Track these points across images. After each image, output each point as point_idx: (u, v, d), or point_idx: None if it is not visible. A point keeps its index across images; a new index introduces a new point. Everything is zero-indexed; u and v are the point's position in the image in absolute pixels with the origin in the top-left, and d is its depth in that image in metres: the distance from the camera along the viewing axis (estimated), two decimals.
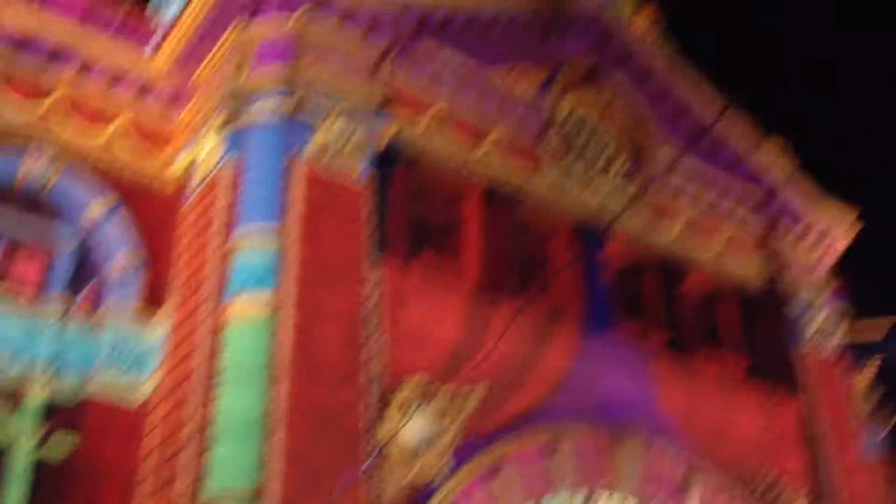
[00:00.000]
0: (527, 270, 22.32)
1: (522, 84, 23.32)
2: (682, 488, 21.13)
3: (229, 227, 17.98)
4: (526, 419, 19.69)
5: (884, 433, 26.99)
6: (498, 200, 21.87)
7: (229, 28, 20.16)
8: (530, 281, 22.20)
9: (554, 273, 22.29)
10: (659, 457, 21.08)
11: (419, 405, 17.85)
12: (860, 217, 27.90)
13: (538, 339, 20.65)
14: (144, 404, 17.43)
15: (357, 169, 19.20)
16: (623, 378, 21.55)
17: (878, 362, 28.01)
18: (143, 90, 21.10)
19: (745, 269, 25.78)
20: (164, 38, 21.34)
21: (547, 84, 23.63)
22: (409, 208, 20.49)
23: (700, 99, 26.15)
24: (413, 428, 17.87)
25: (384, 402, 17.47)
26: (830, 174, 28.57)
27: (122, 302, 18.23)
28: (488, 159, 21.85)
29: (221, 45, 20.38)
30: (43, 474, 16.41)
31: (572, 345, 21.18)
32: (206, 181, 19.07)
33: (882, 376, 28.21)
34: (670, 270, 24.36)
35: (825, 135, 60.64)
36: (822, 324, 25.91)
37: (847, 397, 25.29)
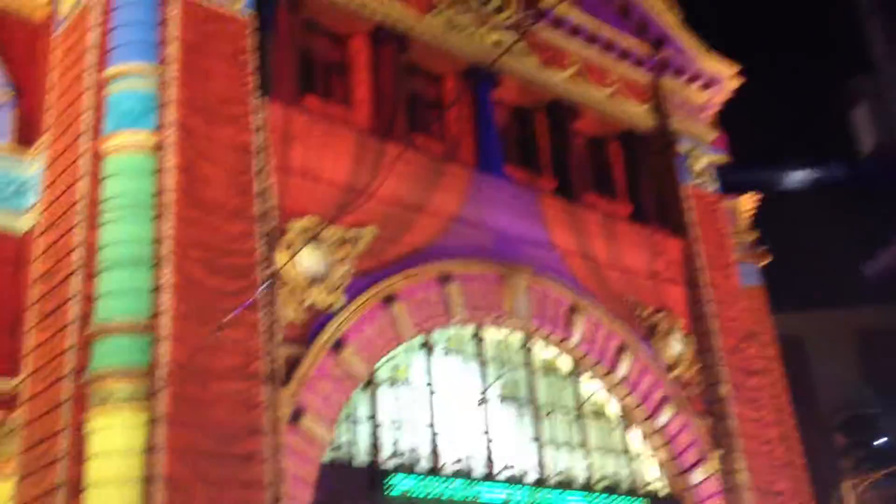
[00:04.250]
0: (417, 112, 22.26)
1: None
2: (568, 321, 21.99)
3: (103, 62, 17.19)
4: (417, 256, 19.98)
5: (758, 267, 28.47)
6: (387, 41, 21.53)
7: None
8: (421, 122, 22.20)
9: (444, 109, 22.26)
10: (546, 292, 21.80)
11: (309, 242, 17.88)
12: (741, 73, 28.64)
13: (429, 180, 20.73)
14: (28, 234, 16.92)
15: (239, 2, 18.49)
16: (513, 217, 21.94)
17: (756, 200, 29.23)
18: None
19: (634, 112, 26.31)
20: None
21: None
22: (295, 46, 19.95)
23: None
24: (305, 263, 17.95)
25: (274, 239, 17.44)
26: (712, 30, 29.14)
27: None
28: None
29: None
30: None
31: (463, 185, 21.34)
32: (77, 9, 18.04)
33: (760, 213, 29.56)
34: (561, 112, 24.66)
35: None
36: (704, 167, 26.83)
37: (726, 235, 26.44)
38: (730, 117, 30.22)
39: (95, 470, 14.37)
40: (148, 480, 14.21)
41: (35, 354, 16.00)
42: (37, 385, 15.69)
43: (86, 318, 15.31)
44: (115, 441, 14.47)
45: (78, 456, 14.50)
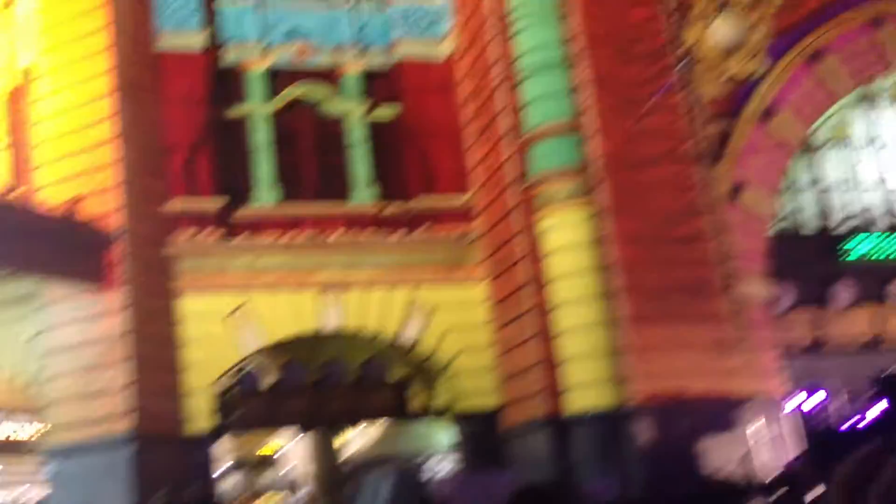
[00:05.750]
0: None
1: None
2: None
3: None
4: (842, 1, 17.97)
5: None
6: None
7: None
8: None
9: None
10: None
11: (721, 8, 16.85)
12: None
13: None
14: (449, 59, 18.05)
15: None
16: None
17: None
18: None
19: None
20: None
21: None
22: None
23: None
24: (718, 34, 17.00)
25: (683, 13, 16.69)
26: None
27: None
28: None
29: None
30: (378, 136, 17.95)
31: None
32: None
33: None
34: None
35: None
36: None
37: None
38: None
39: (553, 265, 15.41)
40: (602, 269, 14.94)
41: (479, 169, 17.26)
42: (486, 196, 17.00)
43: (516, 127, 16.08)
44: (566, 237, 15.32)
45: (535, 255, 15.62)
